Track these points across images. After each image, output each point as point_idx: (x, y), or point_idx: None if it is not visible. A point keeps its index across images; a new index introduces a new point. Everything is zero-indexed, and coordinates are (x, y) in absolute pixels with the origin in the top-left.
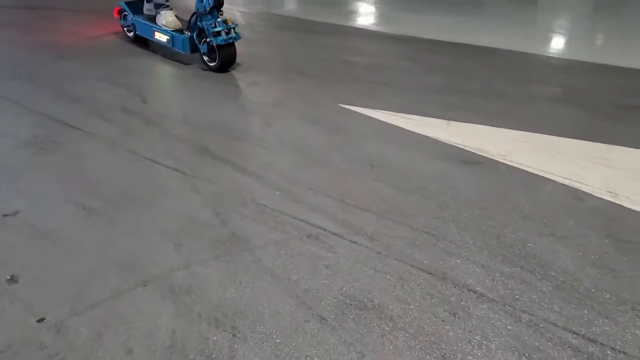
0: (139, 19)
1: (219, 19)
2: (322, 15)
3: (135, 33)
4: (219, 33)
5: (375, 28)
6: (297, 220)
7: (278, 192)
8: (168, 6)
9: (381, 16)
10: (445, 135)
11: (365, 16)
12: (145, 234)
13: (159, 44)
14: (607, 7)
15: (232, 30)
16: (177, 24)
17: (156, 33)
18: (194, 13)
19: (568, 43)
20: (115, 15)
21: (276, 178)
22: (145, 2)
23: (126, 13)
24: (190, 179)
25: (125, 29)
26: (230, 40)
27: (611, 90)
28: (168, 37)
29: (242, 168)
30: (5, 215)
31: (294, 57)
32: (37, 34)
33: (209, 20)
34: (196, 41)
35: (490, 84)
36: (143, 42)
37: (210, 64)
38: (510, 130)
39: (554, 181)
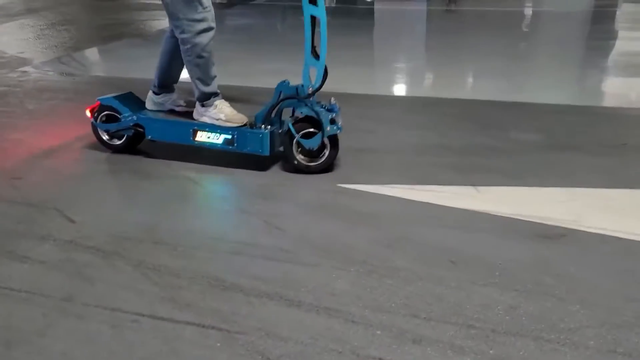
0: (149, 115)
1: (331, 103)
2: (254, 80)
3: (130, 138)
4: (334, 120)
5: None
6: None
7: (379, 332)
8: (219, 94)
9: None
10: (487, 206)
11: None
12: None
13: (203, 147)
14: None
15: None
16: (242, 117)
17: (199, 133)
18: (280, 100)
19: (508, 85)
20: (90, 117)
21: (352, 307)
22: (152, 92)
23: (113, 113)
24: (234, 337)
25: (109, 134)
26: (341, 129)
27: (580, 129)
28: (229, 137)
29: (295, 301)
30: None
31: None
32: None
33: (315, 105)
34: (294, 133)
35: (473, 138)
36: (132, 149)
37: (312, 164)
38: (547, 189)
39: None
